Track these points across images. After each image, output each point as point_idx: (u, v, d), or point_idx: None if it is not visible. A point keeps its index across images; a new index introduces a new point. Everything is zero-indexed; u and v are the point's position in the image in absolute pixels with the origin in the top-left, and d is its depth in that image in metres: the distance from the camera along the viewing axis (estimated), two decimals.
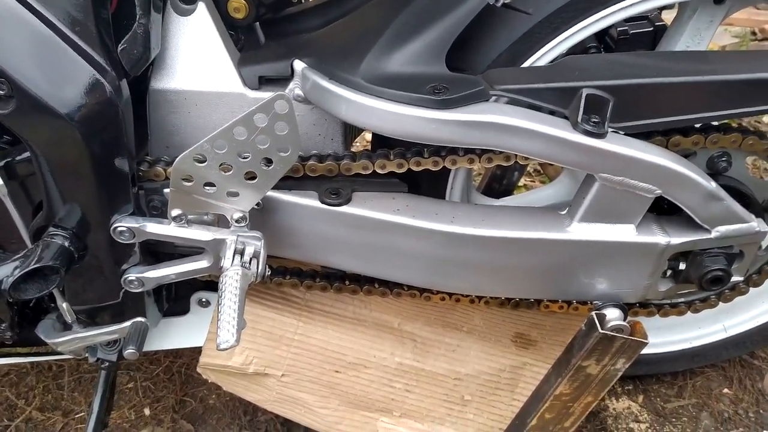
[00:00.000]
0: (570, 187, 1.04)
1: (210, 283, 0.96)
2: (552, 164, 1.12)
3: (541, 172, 1.77)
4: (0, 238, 0.79)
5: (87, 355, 0.90)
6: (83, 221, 0.73)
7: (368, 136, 1.57)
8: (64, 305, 0.82)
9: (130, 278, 0.78)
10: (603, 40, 1.00)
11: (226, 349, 0.65)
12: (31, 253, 0.71)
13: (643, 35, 0.96)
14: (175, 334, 1.00)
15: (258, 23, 0.83)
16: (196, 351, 1.21)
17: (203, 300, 0.97)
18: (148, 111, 0.78)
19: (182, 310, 0.99)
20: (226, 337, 0.65)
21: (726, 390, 1.20)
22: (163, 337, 1.00)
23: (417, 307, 1.00)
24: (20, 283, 0.69)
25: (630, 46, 0.97)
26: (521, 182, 1.67)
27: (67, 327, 0.86)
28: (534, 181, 1.75)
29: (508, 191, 1.28)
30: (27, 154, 0.73)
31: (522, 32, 0.75)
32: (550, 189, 1.05)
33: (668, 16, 0.96)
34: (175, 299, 0.96)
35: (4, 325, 0.84)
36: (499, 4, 0.54)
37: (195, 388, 1.21)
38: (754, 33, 2.21)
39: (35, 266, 0.69)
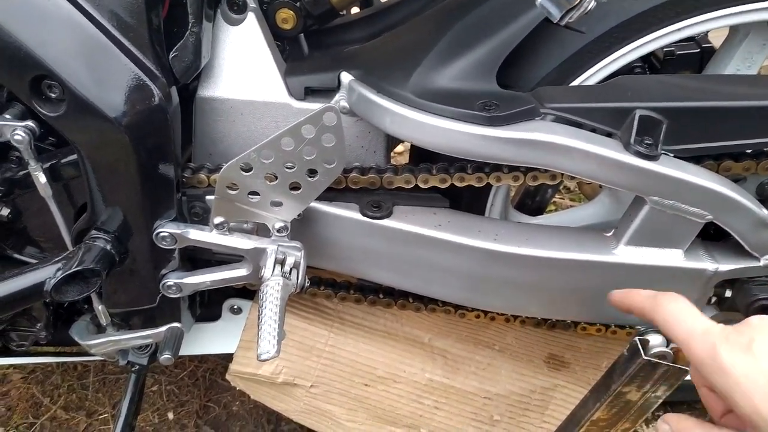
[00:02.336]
0: (609, 207, 1.02)
1: (242, 291, 0.96)
2: (590, 183, 1.11)
3: (571, 189, 1.76)
4: (42, 240, 0.80)
5: (118, 357, 0.90)
6: (126, 225, 0.73)
7: (398, 149, 1.56)
8: (100, 307, 0.82)
9: (168, 283, 0.78)
10: (648, 60, 0.98)
11: (267, 359, 0.64)
12: (72, 255, 0.71)
13: (690, 57, 0.94)
14: (206, 340, 1.00)
15: (303, 34, 0.83)
16: (221, 356, 1.21)
17: (235, 307, 0.97)
18: (194, 118, 0.78)
19: (213, 316, 0.99)
20: (267, 347, 0.65)
21: None
22: (193, 343, 1.00)
23: (449, 323, 0.99)
24: (62, 284, 0.69)
25: (676, 68, 0.95)
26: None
27: (101, 329, 0.86)
28: (564, 198, 1.73)
29: (541, 208, 1.26)
30: (72, 157, 0.73)
31: (573, 51, 0.74)
32: (590, 209, 1.04)
33: (714, 36, 0.95)
34: (207, 305, 0.96)
35: (39, 324, 0.84)
36: (562, 23, 0.53)
37: (219, 393, 1.21)
38: None
39: (77, 269, 0.69)
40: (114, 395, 1.20)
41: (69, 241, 0.76)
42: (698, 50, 0.94)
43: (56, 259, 0.71)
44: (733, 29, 0.85)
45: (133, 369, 0.91)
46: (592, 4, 0.52)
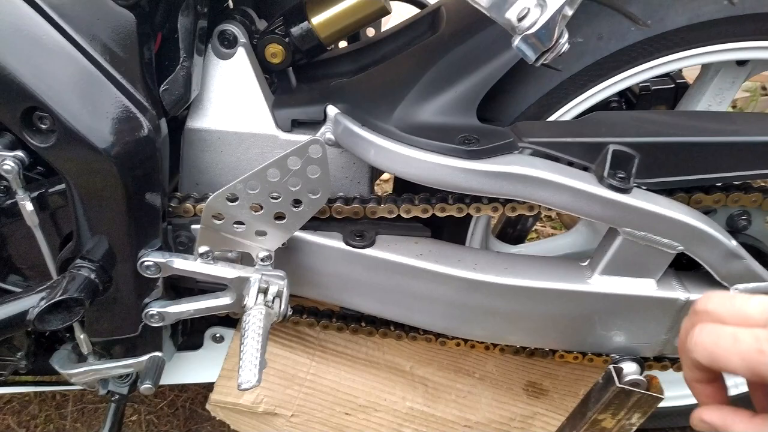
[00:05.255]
0: (587, 236, 1.05)
1: (225, 319, 0.96)
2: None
3: (552, 218, 1.79)
4: (25, 268, 0.80)
5: (98, 387, 0.89)
6: (111, 254, 0.73)
7: (384, 176, 1.58)
8: (82, 336, 0.82)
9: (151, 312, 0.78)
10: (624, 95, 1.02)
11: (248, 389, 0.64)
12: (57, 284, 0.72)
13: (665, 92, 0.98)
14: (187, 369, 1.00)
15: (291, 67, 0.85)
16: (201, 386, 1.20)
17: (218, 335, 0.97)
18: (182, 148, 0.79)
19: (195, 344, 0.98)
20: (248, 377, 0.65)
21: None
22: (174, 372, 0.99)
23: (430, 351, 1.00)
24: (45, 313, 0.69)
25: (651, 102, 0.99)
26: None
27: (82, 358, 0.86)
28: (545, 226, 1.76)
29: (521, 237, 1.29)
30: (59, 187, 0.74)
31: (550, 87, 0.77)
32: (568, 238, 1.06)
33: (688, 73, 0.99)
34: (189, 333, 0.96)
35: (20, 353, 0.84)
36: (537, 65, 0.56)
37: (199, 424, 1.20)
38: (764, 88, 2.26)
39: (61, 298, 0.69)
40: (93, 425, 1.18)
41: (53, 269, 0.76)
42: (673, 86, 0.98)
43: (40, 288, 0.72)
44: (705, 67, 0.89)
45: (113, 398, 0.90)
46: (566, 46, 0.55)
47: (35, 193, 0.73)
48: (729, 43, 0.77)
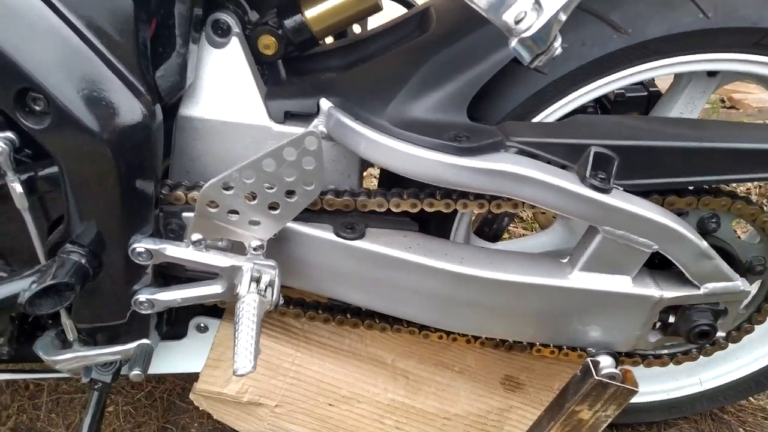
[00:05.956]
0: (563, 235, 1.08)
1: (210, 309, 0.96)
2: (543, 213, 1.17)
3: (523, 218, 1.84)
4: (15, 252, 0.79)
5: (81, 374, 0.89)
6: (102, 239, 0.74)
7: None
8: (68, 322, 0.82)
9: (140, 299, 0.79)
10: (599, 100, 1.06)
11: (244, 374, 0.66)
12: (47, 268, 0.72)
13: (638, 99, 1.02)
14: (169, 359, 0.99)
15: (281, 59, 0.86)
16: (180, 377, 1.20)
17: (202, 325, 0.97)
18: (174, 135, 0.80)
19: (179, 334, 0.99)
20: (244, 363, 0.66)
21: None
22: (156, 361, 0.99)
23: (412, 344, 1.02)
24: (35, 297, 0.69)
25: (625, 108, 1.03)
26: None
27: (66, 345, 0.85)
28: (516, 227, 1.81)
29: (497, 235, 1.32)
30: (49, 171, 0.74)
31: (536, 90, 0.80)
32: (545, 236, 1.10)
33: (660, 82, 1.04)
34: (173, 323, 0.96)
35: (2, 339, 0.83)
36: (531, 66, 0.58)
37: (177, 415, 1.20)
38: (722, 100, 2.36)
39: (52, 282, 0.69)
40: (68, 415, 1.17)
41: (42, 254, 0.76)
42: (646, 93, 1.03)
43: (30, 271, 0.71)
44: (678, 77, 0.94)
45: (95, 386, 0.90)
46: (559, 50, 0.58)
47: (25, 176, 0.73)
48: (702, 54, 0.82)
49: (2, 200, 0.75)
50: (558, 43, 0.58)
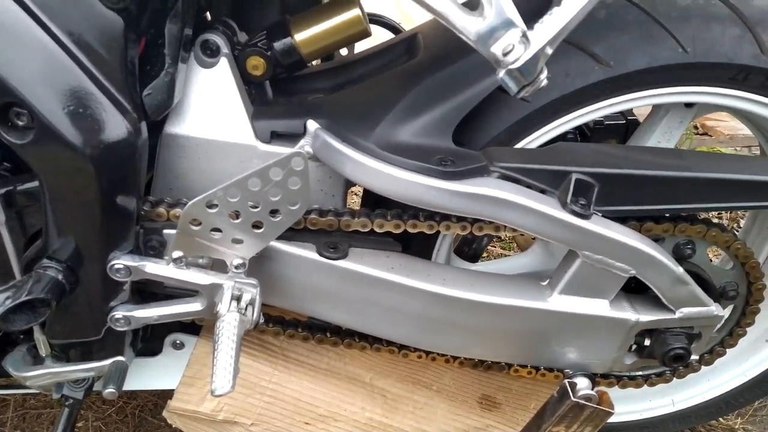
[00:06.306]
0: (542, 257, 1.10)
1: (188, 326, 0.95)
2: (523, 235, 1.19)
3: (502, 239, 1.86)
4: None
5: (53, 390, 0.87)
6: (80, 255, 0.72)
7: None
8: (41, 337, 0.80)
9: (117, 316, 0.77)
10: (579, 128, 1.09)
11: (222, 395, 0.65)
12: (22, 284, 0.70)
13: (617, 127, 1.05)
14: (143, 375, 0.98)
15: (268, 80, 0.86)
16: (152, 393, 1.18)
17: (178, 342, 0.96)
18: (158, 152, 0.79)
19: (154, 350, 0.97)
20: (222, 383, 0.66)
21: None
22: (129, 377, 0.97)
23: (390, 363, 1.02)
24: (9, 313, 0.67)
25: (604, 136, 1.06)
26: None
27: (38, 360, 0.83)
28: (495, 247, 1.83)
29: (476, 255, 1.34)
30: (28, 185, 0.73)
31: (519, 117, 0.82)
32: (524, 258, 1.11)
33: (638, 110, 1.07)
34: (149, 339, 0.94)
35: None
36: (518, 97, 0.60)
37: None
38: (696, 127, 2.42)
39: (27, 298, 0.68)
40: (35, 431, 1.14)
41: (17, 269, 0.74)
42: (624, 122, 1.06)
43: (4, 287, 0.70)
44: (656, 107, 0.96)
45: (66, 403, 0.88)
46: (545, 81, 0.59)
47: (2, 190, 0.72)
48: (680, 86, 0.84)
49: None
50: (544, 75, 0.59)
